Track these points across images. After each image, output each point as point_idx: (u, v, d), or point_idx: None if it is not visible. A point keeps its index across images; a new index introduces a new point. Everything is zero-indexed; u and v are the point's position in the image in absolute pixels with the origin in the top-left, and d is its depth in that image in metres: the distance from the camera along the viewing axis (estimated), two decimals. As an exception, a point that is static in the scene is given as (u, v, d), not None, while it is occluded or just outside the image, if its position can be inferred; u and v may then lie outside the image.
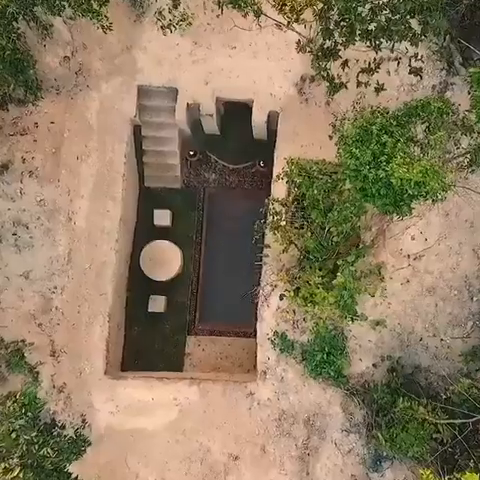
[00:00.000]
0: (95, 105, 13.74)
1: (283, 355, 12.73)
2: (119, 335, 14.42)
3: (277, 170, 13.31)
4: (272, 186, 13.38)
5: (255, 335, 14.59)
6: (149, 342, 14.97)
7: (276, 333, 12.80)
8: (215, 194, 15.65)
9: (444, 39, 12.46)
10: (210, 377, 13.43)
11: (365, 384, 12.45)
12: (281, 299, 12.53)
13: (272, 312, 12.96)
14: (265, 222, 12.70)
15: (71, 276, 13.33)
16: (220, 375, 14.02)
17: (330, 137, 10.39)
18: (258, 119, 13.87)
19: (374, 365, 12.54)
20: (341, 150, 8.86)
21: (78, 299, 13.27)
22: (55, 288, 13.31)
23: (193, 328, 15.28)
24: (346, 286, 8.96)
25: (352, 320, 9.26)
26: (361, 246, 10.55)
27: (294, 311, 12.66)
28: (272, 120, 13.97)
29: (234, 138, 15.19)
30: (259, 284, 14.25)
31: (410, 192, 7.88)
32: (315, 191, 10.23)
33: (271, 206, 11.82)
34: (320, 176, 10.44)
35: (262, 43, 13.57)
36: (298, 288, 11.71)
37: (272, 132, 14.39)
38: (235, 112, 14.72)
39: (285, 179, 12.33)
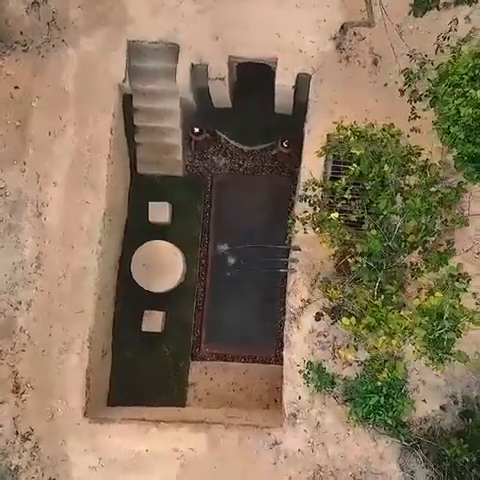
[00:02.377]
0: (72, 66, 10.65)
1: (319, 393, 9.60)
2: (104, 362, 11.30)
3: (309, 149, 10.23)
4: (303, 169, 10.26)
5: (277, 360, 11.61)
6: (143, 370, 11.85)
7: (310, 364, 9.67)
8: (226, 183, 12.50)
9: None
10: (221, 419, 10.28)
11: (430, 433, 9.33)
12: (318, 320, 9.41)
13: (304, 336, 9.84)
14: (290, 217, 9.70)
15: (40, 288, 10.22)
16: (233, 413, 10.90)
17: (402, 92, 7.26)
18: (283, 84, 10.75)
19: (442, 408, 9.42)
20: (441, 96, 5.81)
21: (49, 318, 10.17)
22: (19, 303, 10.21)
23: (198, 351, 12.15)
24: (445, 311, 5.77)
25: (441, 361, 6.13)
26: (443, 249, 7.40)
27: (336, 338, 9.55)
28: (301, 87, 10.85)
29: (250, 112, 12.07)
30: (284, 298, 11.30)
31: None
32: (386, 167, 7.07)
33: (307, 193, 8.70)
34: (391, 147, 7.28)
35: (288, -15, 10.50)
36: (348, 312, 8.57)
37: (300, 105, 11.32)
38: (252, 78, 11.63)
39: (328, 155, 9.25)
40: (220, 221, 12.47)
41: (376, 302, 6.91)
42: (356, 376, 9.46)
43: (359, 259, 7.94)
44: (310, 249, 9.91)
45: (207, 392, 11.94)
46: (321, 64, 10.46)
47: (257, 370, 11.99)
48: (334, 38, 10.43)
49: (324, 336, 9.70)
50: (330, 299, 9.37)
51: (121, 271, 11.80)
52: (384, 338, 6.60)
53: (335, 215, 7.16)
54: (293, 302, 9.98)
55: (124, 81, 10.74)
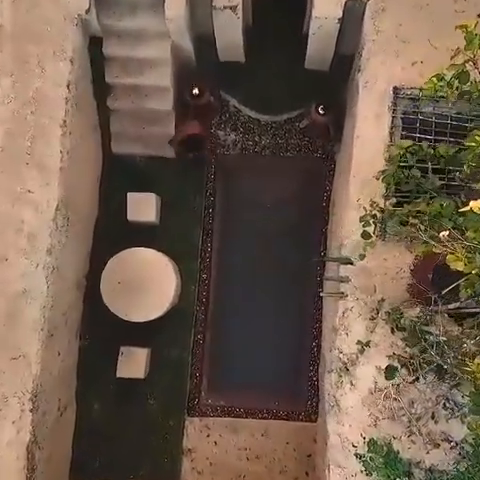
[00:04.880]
0: (9, -12, 7.17)
1: (386, 488, 6.13)
2: (64, 423, 7.85)
3: (364, 113, 6.78)
4: (355, 145, 6.77)
5: (309, 416, 8.29)
6: (120, 430, 8.38)
7: (372, 443, 6.18)
8: (236, 168, 9.00)
9: None
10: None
11: None
12: (390, 377, 5.87)
13: (362, 398, 6.33)
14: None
15: (-43, 320, 6.74)
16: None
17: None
18: (324, 16, 7.25)
19: None
20: None
21: (-29, 366, 6.69)
22: None
23: (197, 404, 8.63)
24: None
25: None
26: None
27: (413, 402, 6.03)
28: (348, 27, 7.40)
29: (270, 68, 8.64)
30: (318, 330, 8.04)
31: None
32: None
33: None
34: None
35: None
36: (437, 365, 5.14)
37: (341, 59, 7.94)
38: (272, 19, 8.20)
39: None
40: (227, 221, 8.97)
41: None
42: (449, 465, 5.97)
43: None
44: (370, 263, 6.43)
45: (210, 462, 8.44)
46: (382, -16, 6.98)
47: (280, 430, 8.51)
48: None
49: (396, 399, 6.20)
50: (407, 343, 5.93)
51: (88, 292, 8.32)
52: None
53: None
54: (343, 345, 6.49)
55: (88, 12, 7.25)
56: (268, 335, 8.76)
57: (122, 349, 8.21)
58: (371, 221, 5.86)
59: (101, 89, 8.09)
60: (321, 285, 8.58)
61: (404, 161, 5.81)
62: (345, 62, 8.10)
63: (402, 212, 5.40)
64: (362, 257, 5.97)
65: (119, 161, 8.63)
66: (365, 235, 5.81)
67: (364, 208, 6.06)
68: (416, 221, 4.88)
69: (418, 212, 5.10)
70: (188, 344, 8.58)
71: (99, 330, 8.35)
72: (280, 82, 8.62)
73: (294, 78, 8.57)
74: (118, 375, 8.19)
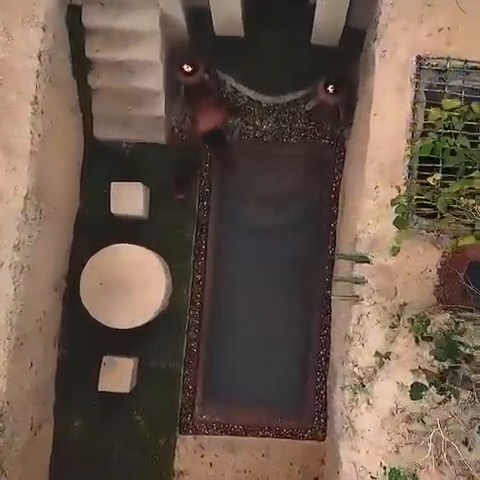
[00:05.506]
0: None
1: None
2: (38, 443, 6.93)
3: (383, 86, 5.84)
4: (372, 124, 5.82)
5: (316, 434, 7.44)
6: (103, 450, 7.45)
7: (394, 473, 5.24)
8: (235, 155, 8.08)
9: None
10: None
11: None
12: (417, 396, 4.92)
13: (380, 420, 5.39)
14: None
15: None
16: None
17: None
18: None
19: None
20: None
21: None
22: None
23: (191, 420, 7.70)
24: None
25: None
26: None
27: (445, 424, 5.06)
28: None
29: (272, 44, 7.69)
30: (326, 337, 7.18)
31: None
32: None
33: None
34: None
35: None
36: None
37: (355, 30, 7.05)
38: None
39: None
40: (224, 214, 8.04)
41: None
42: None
43: None
44: (390, 261, 5.49)
45: (205, 486, 7.53)
46: None
47: (284, 450, 7.60)
48: None
49: (420, 421, 5.25)
50: (435, 355, 4.99)
51: (68, 295, 7.38)
52: None
53: None
54: (358, 357, 5.54)
55: (63, -28, 6.34)
56: (270, 343, 7.83)
57: (105, 359, 7.27)
58: (405, 203, 4.80)
59: (81, 65, 7.16)
60: (330, 286, 7.68)
61: (448, 128, 4.80)
62: (356, 37, 7.20)
63: (450, 190, 4.34)
64: (395, 251, 4.95)
65: (103, 147, 7.70)
66: (399, 222, 4.77)
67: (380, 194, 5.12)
68: (471, 201, 3.90)
69: (471, 189, 4.05)
70: (180, 353, 7.64)
71: (80, 338, 7.42)
72: (283, 59, 7.69)
73: (299, 55, 7.65)
74: (100, 389, 7.24)
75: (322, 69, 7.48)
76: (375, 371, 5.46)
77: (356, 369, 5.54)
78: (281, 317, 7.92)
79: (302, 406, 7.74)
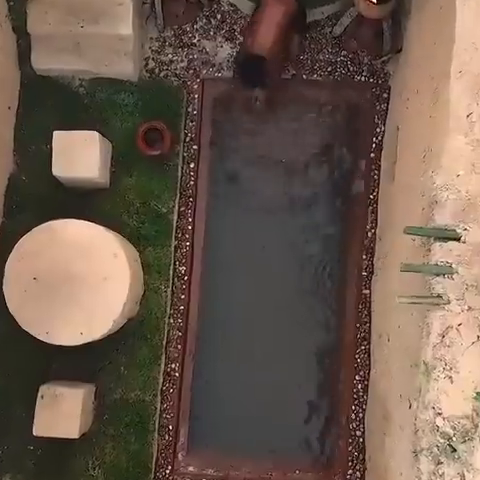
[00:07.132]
0: None
1: None
2: None
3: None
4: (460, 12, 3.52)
5: None
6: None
7: None
8: (232, 98, 5.75)
9: None
10: None
11: None
12: None
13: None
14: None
15: None
16: None
17: None
18: None
19: None
20: None
21: None
22: None
23: (171, 474, 5.41)
24: None
25: None
26: None
27: None
28: None
29: None
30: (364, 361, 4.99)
31: None
32: None
33: None
34: None
35: None
36: None
37: None
38: None
39: None
40: (218, 182, 5.75)
41: None
42: None
43: None
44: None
45: None
46: None
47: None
48: None
49: None
50: None
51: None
52: None
53: None
54: (442, 400, 3.25)
55: None
56: (279, 363, 5.56)
57: (42, 389, 4.97)
58: None
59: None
60: (368, 284, 5.42)
61: None
62: None
63: None
64: None
65: (45, 83, 5.42)
66: None
67: None
68: None
69: None
70: (156, 379, 5.34)
71: (12, 361, 5.15)
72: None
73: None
74: (36, 433, 4.95)
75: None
76: (475, 424, 3.19)
77: (440, 421, 3.26)
78: (297, 324, 5.66)
79: (327, 454, 5.48)
